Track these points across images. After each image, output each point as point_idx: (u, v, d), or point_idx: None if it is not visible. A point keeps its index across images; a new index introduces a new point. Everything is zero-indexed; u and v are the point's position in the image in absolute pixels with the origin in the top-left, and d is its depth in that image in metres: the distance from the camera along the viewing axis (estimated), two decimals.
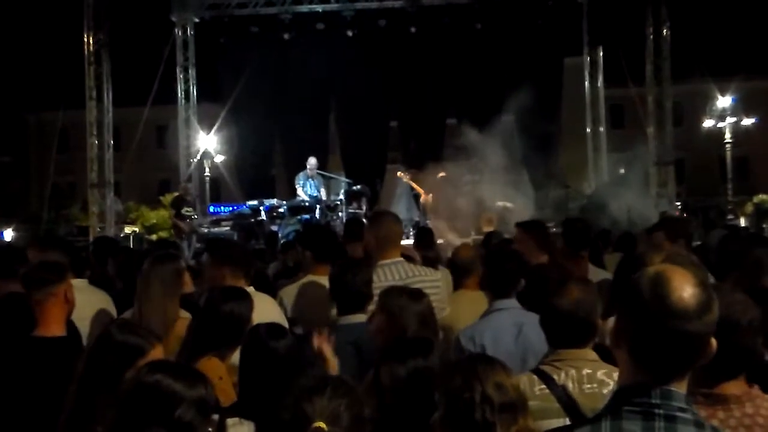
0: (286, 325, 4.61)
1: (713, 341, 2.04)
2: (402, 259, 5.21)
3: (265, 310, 4.58)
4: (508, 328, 4.32)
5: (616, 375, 3.16)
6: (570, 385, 3.25)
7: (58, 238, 7.40)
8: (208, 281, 4.96)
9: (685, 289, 2.00)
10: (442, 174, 17.03)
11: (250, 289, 4.84)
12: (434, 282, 5.17)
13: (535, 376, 3.31)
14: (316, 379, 2.45)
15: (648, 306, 1.99)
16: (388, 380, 3.04)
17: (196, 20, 21.05)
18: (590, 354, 3.34)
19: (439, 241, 12.44)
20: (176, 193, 18.99)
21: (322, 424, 2.24)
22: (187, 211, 16.62)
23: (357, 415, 2.33)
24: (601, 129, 21.76)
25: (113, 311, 5.11)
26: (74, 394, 3.04)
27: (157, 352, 3.08)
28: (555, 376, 3.28)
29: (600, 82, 21.57)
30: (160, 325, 4.28)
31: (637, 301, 2.02)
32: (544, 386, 3.27)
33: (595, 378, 3.25)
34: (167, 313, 4.47)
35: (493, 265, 4.68)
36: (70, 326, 4.40)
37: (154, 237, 26.71)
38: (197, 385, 2.48)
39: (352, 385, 2.45)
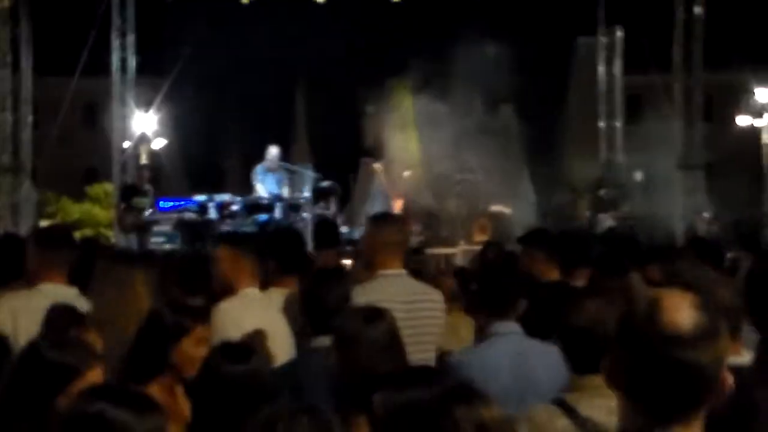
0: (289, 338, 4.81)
1: (728, 378, 2.05)
2: (405, 271, 5.38)
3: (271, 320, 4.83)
4: (506, 357, 4.43)
5: None
6: (597, 417, 3.24)
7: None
8: (218, 277, 5.14)
9: (680, 311, 2.02)
10: (407, 173, 17.01)
11: (257, 293, 5.11)
12: (439, 303, 5.41)
13: (554, 407, 3.33)
14: (292, 407, 2.51)
15: (639, 331, 2.03)
16: (382, 411, 3.13)
17: None
18: None
19: None
20: (129, 182, 19.19)
21: None
22: (141, 203, 16.78)
23: None
24: (617, 123, 21.93)
25: None
26: None
27: (95, 375, 3.10)
28: (579, 407, 3.29)
29: (618, 68, 21.74)
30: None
31: (629, 326, 2.07)
32: (566, 420, 3.28)
33: None
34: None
35: (489, 281, 4.81)
36: None
37: (77, 235, 26.62)
38: (149, 414, 2.50)
39: (330, 418, 2.51)
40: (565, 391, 3.44)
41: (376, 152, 18.51)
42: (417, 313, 5.13)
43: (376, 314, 3.97)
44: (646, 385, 2.01)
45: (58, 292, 5.16)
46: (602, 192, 16.54)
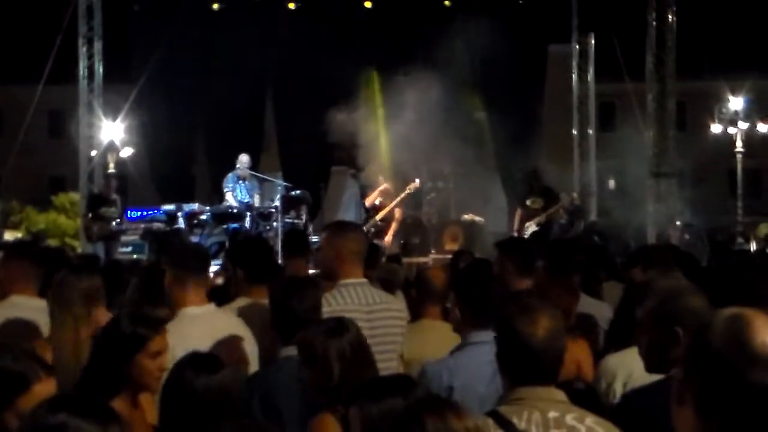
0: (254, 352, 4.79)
1: None
2: (366, 280, 5.41)
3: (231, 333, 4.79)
4: (483, 367, 4.38)
5: (589, 420, 3.25)
6: (533, 431, 3.23)
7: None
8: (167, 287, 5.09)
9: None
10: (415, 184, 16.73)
11: (210, 307, 5.02)
12: (400, 312, 5.45)
13: (490, 420, 3.24)
14: (242, 427, 2.49)
15: (721, 354, 1.97)
16: (358, 424, 3.10)
17: None
18: (557, 394, 3.34)
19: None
20: (95, 191, 19.22)
21: None
22: (108, 212, 16.76)
23: None
24: (590, 131, 22.07)
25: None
26: None
27: (46, 386, 3.04)
28: (515, 420, 3.24)
29: (590, 76, 21.90)
30: (71, 349, 4.38)
31: (708, 348, 2.00)
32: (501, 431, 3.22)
33: (563, 423, 3.24)
34: (81, 336, 4.54)
35: (467, 291, 4.81)
36: None
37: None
38: (111, 424, 2.44)
39: None
40: (502, 402, 3.39)
41: (346, 160, 18.44)
42: (378, 321, 5.17)
43: (340, 326, 4.02)
44: (725, 411, 1.96)
45: (29, 304, 5.21)
46: (528, 201, 16.60)
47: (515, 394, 3.33)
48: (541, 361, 3.34)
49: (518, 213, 16.74)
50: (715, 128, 30.69)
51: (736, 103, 28.50)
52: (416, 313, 6.11)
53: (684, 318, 3.46)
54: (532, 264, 6.30)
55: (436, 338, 5.26)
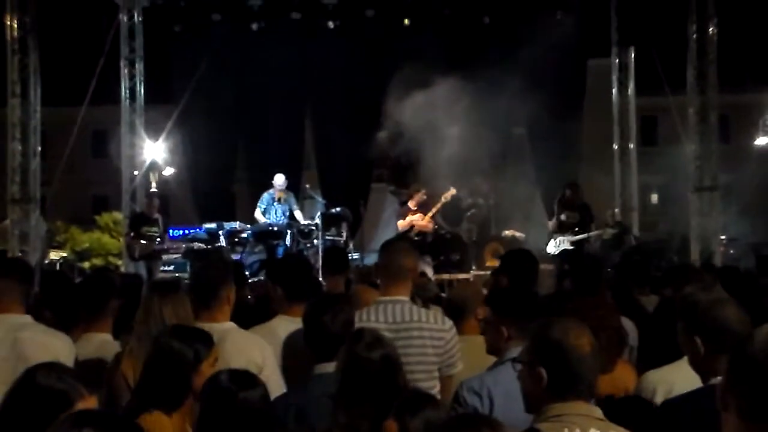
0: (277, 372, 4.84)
1: None
2: (406, 299, 5.39)
3: (253, 353, 4.86)
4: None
5: None
6: None
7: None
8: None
9: None
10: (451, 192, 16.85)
11: (231, 325, 5.07)
12: (439, 331, 5.34)
13: None
14: None
15: (762, 363, 2.04)
16: None
17: (146, 4, 21.14)
18: (595, 410, 3.30)
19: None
20: (138, 210, 19.41)
21: None
22: (150, 231, 16.94)
23: None
24: (631, 146, 21.94)
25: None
26: None
27: (87, 404, 3.10)
28: None
29: (631, 90, 21.78)
30: None
31: (748, 358, 2.07)
32: None
33: None
34: None
35: (506, 303, 4.81)
36: None
37: (86, 265, 26.73)
38: None
39: None
40: (539, 419, 3.30)
41: (386, 178, 18.46)
42: (405, 341, 5.11)
43: (376, 341, 4.14)
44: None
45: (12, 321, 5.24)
46: (563, 216, 16.51)
47: (553, 410, 3.25)
48: (586, 374, 3.30)
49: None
50: (760, 141, 30.37)
51: None
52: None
53: (719, 330, 3.46)
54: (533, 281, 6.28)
55: (472, 353, 5.26)
